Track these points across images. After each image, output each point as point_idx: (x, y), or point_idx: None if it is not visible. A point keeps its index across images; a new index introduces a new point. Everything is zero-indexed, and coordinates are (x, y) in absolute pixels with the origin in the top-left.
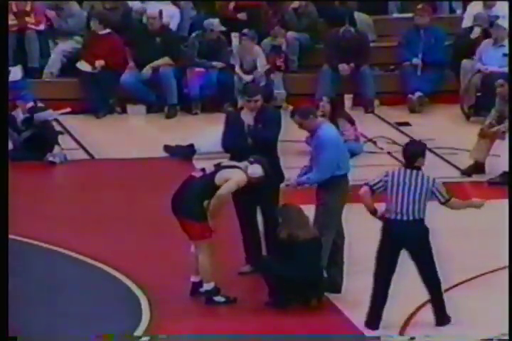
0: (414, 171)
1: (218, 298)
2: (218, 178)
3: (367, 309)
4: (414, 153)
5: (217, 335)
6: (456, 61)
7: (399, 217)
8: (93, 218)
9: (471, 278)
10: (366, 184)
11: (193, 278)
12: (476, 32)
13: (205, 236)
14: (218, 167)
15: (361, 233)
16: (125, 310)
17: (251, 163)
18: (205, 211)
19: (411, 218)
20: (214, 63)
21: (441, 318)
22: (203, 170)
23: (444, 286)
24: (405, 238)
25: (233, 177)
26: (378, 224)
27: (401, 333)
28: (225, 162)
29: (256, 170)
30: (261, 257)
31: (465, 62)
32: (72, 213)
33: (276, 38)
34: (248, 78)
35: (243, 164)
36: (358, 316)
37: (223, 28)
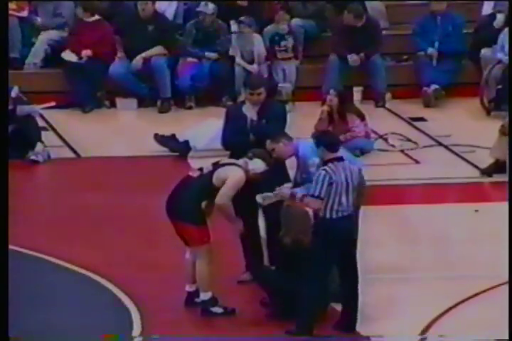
0: (342, 162)
1: (215, 309)
2: (215, 178)
3: (373, 320)
4: (337, 140)
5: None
6: (476, 50)
7: (346, 213)
8: (79, 222)
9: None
10: (313, 195)
11: (188, 288)
12: (500, 20)
13: (203, 241)
14: (217, 165)
15: (370, 240)
16: (114, 321)
17: (251, 158)
18: (203, 214)
19: (352, 212)
20: (207, 54)
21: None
22: (201, 169)
23: (468, 292)
24: (353, 231)
25: (229, 176)
26: (389, 230)
27: None
28: (225, 160)
29: (257, 165)
30: (260, 267)
31: (485, 52)
32: (57, 216)
33: (279, 24)
34: (254, 68)
35: (242, 161)
36: (364, 327)
37: (214, 7)
